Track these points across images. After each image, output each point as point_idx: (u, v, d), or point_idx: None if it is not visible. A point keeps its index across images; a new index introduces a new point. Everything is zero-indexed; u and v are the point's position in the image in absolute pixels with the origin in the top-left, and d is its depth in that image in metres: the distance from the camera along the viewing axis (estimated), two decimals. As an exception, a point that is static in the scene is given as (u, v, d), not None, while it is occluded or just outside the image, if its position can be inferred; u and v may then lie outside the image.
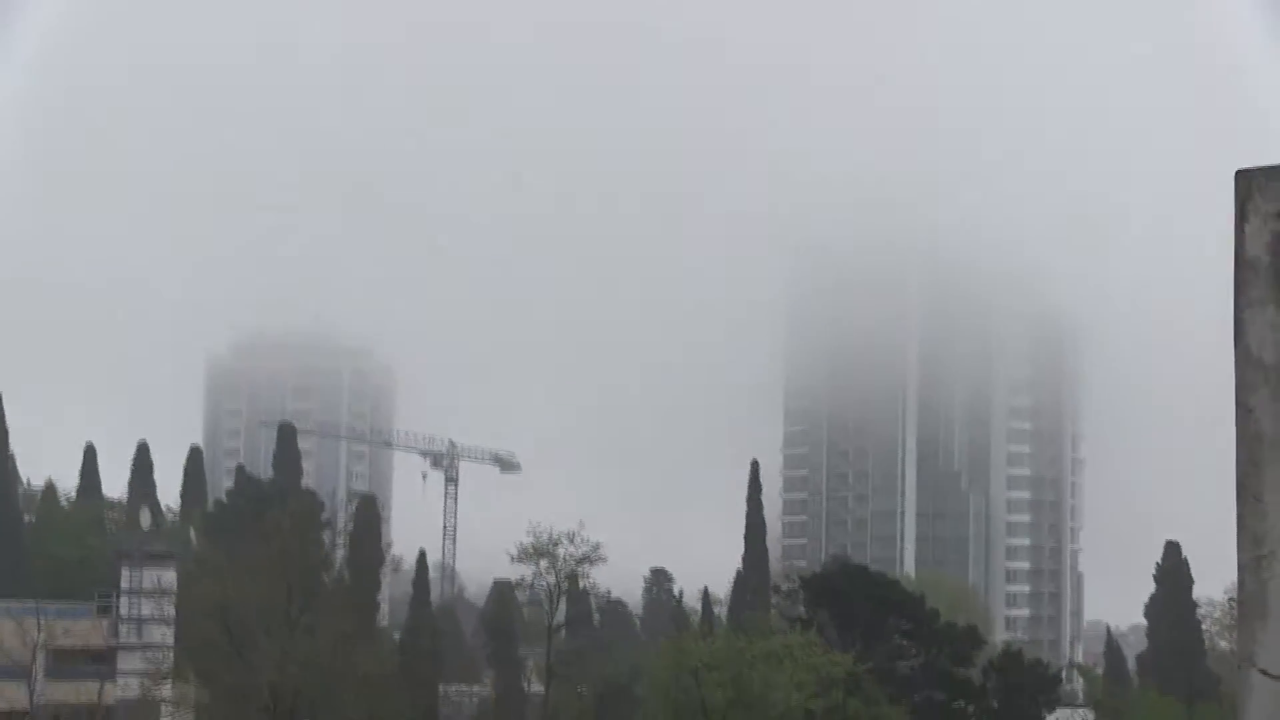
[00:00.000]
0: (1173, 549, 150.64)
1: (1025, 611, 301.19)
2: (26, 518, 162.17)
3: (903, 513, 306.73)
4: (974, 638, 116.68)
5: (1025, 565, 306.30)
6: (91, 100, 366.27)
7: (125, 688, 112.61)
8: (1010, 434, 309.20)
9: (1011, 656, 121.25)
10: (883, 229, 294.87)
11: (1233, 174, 7.46)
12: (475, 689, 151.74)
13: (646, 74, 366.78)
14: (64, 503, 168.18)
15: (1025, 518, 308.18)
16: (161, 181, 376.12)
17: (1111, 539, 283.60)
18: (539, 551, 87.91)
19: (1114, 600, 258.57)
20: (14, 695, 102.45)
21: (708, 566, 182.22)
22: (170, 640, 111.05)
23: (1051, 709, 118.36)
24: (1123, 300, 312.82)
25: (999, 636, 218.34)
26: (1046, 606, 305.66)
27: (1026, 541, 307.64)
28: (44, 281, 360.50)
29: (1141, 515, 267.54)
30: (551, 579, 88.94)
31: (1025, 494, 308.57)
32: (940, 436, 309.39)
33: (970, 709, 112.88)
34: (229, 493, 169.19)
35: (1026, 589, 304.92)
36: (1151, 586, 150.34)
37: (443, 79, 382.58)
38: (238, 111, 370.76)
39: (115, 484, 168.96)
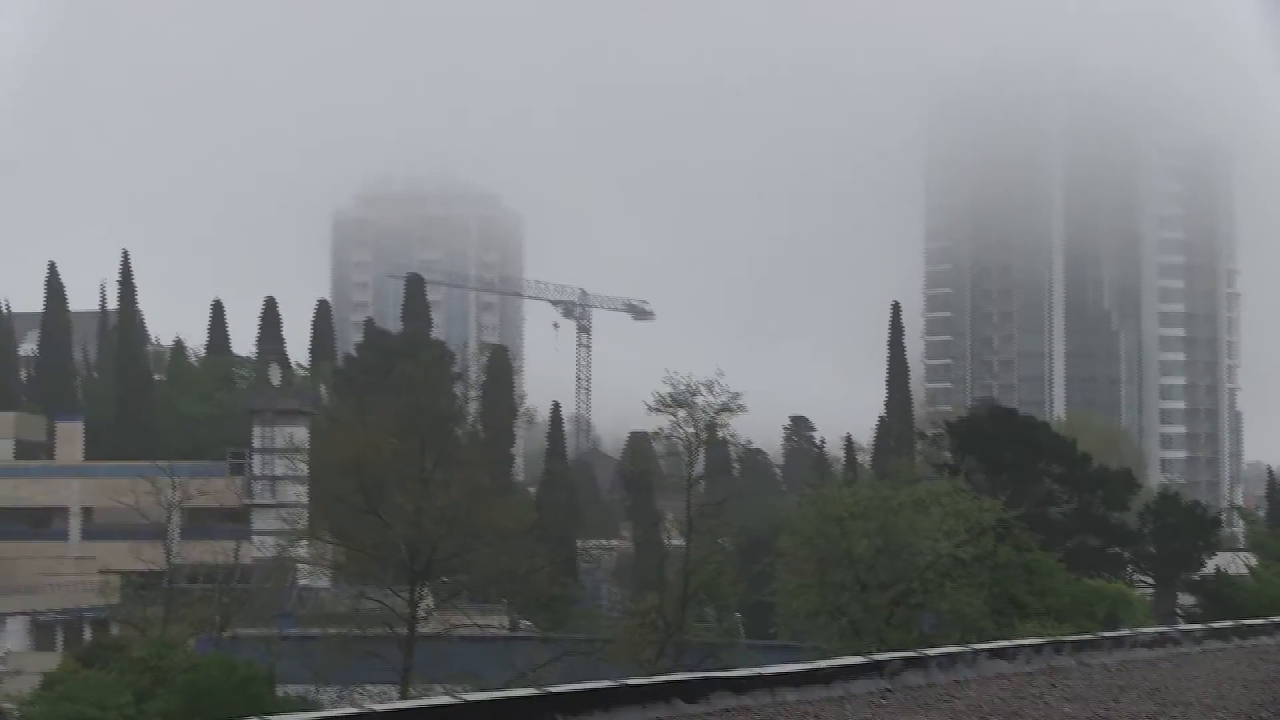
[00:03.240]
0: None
1: (1181, 454, 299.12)
2: (156, 377, 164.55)
3: (1051, 354, 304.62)
4: (1128, 481, 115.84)
5: (1180, 405, 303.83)
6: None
7: (261, 547, 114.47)
8: (1161, 269, 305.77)
9: (1168, 500, 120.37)
10: (1026, 61, 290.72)
11: None
12: (613, 543, 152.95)
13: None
14: (193, 360, 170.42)
15: (1179, 356, 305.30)
16: (285, 33, 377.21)
17: (1271, 376, 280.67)
18: (676, 401, 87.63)
19: (1275, 440, 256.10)
20: (152, 555, 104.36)
21: (849, 413, 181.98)
22: (304, 498, 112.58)
23: (1211, 553, 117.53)
24: (1274, 128, 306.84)
25: (1154, 480, 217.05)
26: (1204, 448, 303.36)
27: (1181, 380, 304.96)
28: (166, 140, 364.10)
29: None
30: (690, 430, 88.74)
31: (1179, 331, 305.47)
32: (1088, 273, 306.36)
33: (1126, 555, 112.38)
34: (358, 346, 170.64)
35: (1182, 430, 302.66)
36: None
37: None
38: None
39: (243, 341, 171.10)
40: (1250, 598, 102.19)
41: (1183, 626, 29.60)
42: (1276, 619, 30.62)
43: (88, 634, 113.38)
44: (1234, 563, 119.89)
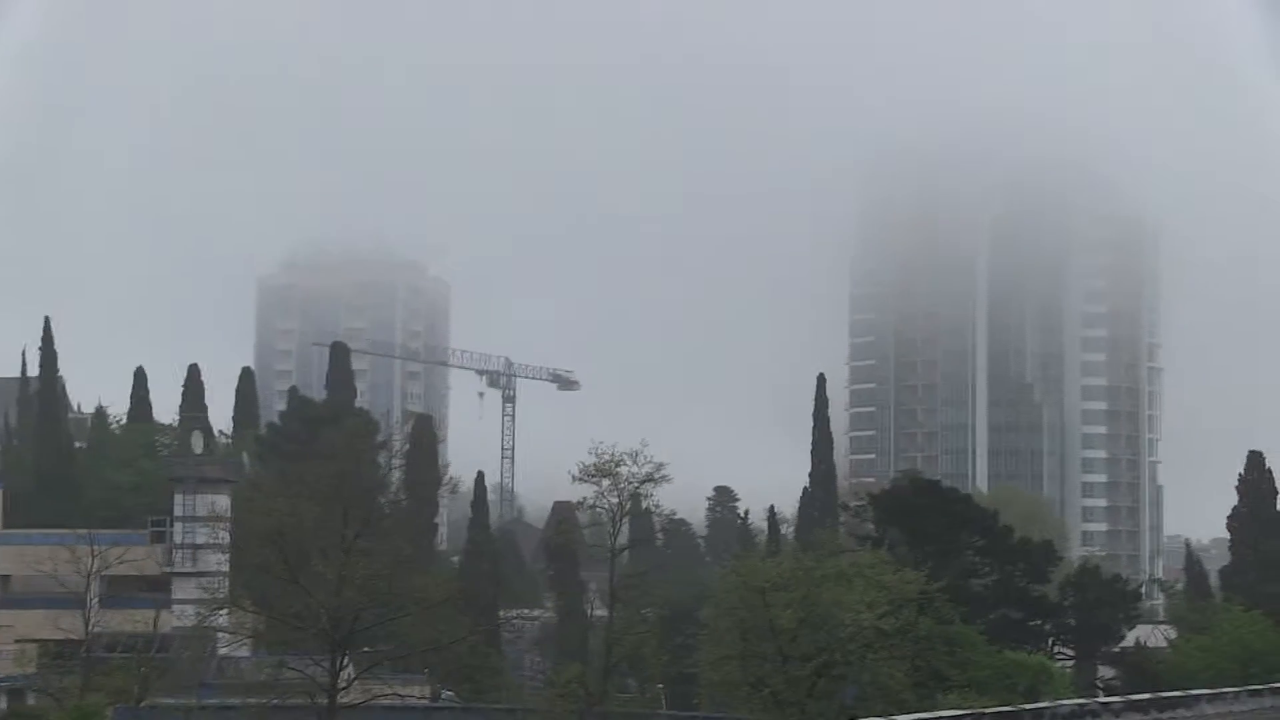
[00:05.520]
0: (1256, 459, 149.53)
1: (1103, 526, 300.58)
2: (77, 444, 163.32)
3: (974, 426, 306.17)
4: (1049, 554, 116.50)
5: (1102, 478, 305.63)
6: (131, 18, 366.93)
7: (181, 615, 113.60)
8: (1084, 343, 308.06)
9: (1089, 572, 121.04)
10: (953, 134, 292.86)
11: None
12: (536, 613, 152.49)
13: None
14: (115, 428, 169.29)
15: (1101, 429, 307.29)
16: (208, 98, 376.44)
17: (1191, 450, 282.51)
18: (600, 471, 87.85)
19: (1195, 514, 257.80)
20: (70, 624, 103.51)
21: (773, 484, 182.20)
22: (225, 566, 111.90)
23: (1131, 625, 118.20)
24: (1202, 203, 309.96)
25: (1076, 552, 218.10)
26: (1125, 521, 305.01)
27: (1103, 454, 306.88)
28: (90, 202, 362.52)
29: (1222, 425, 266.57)
30: (614, 499, 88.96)
31: (1101, 405, 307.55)
32: (1012, 346, 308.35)
33: (1047, 627, 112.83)
34: (282, 414, 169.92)
35: (1104, 503, 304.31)
36: (1234, 499, 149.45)
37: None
38: (284, 27, 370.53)
39: (166, 408, 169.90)
40: (1169, 670, 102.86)
41: (1102, 699, 29.82)
42: (1194, 692, 30.97)
43: (3, 703, 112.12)
44: (1154, 635, 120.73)
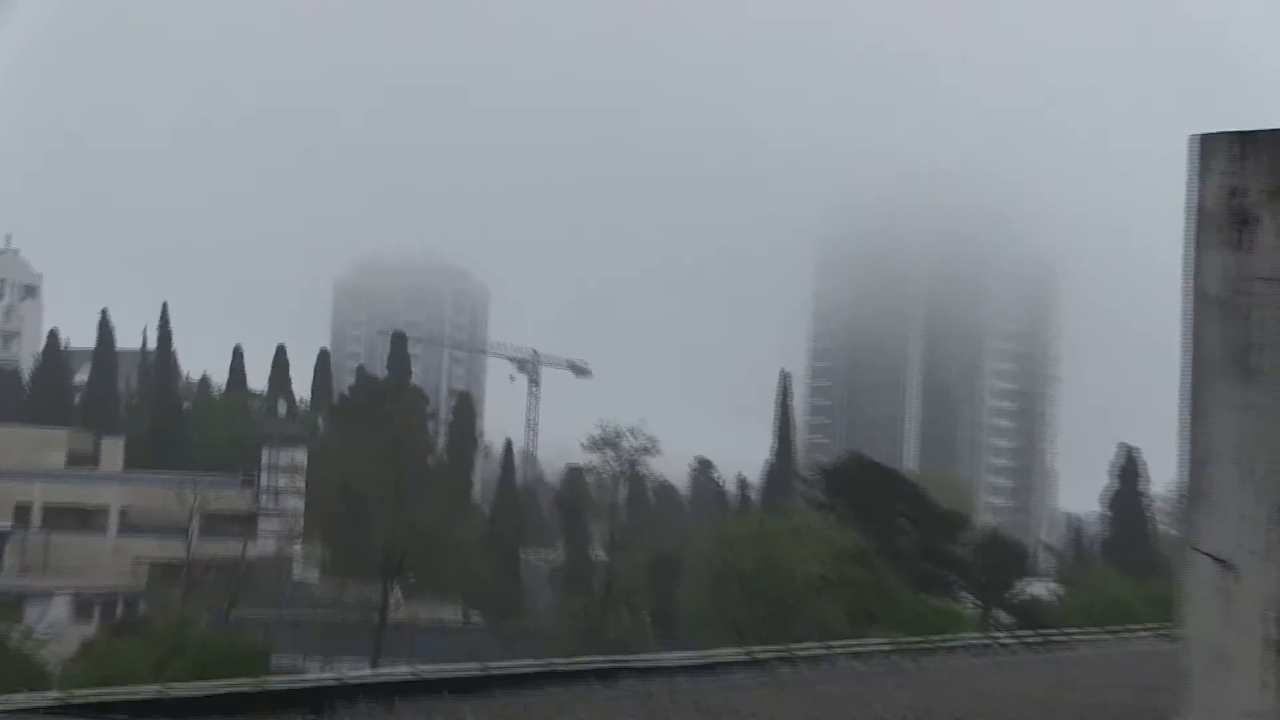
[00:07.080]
0: (1128, 451, 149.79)
1: (1010, 503, 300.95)
2: (185, 405, 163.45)
3: (908, 419, 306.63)
4: (962, 521, 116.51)
5: (1009, 463, 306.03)
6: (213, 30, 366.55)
7: (264, 546, 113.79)
8: (999, 354, 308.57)
9: (993, 536, 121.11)
10: (901, 182, 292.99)
11: (1192, 134, 7.36)
12: (550, 555, 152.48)
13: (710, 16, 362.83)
14: (216, 394, 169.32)
15: (1010, 424, 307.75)
16: (299, 130, 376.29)
17: (1079, 443, 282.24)
18: (605, 443, 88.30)
19: (1081, 494, 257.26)
20: (174, 550, 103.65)
21: (744, 458, 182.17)
22: (301, 508, 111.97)
23: (1026, 581, 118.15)
24: (1098, 241, 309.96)
25: (984, 521, 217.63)
26: (1024, 497, 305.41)
27: (1009, 444, 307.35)
28: (206, 208, 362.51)
29: (1104, 424, 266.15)
30: (615, 466, 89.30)
31: (1010, 405, 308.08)
32: (942, 359, 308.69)
33: (957, 579, 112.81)
34: (351, 389, 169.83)
35: (1009, 483, 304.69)
36: (1109, 481, 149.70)
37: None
38: (352, 44, 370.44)
39: (258, 379, 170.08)
40: (1056, 618, 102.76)
41: (1000, 637, 30.05)
42: (1074, 633, 31.18)
43: (120, 610, 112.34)
44: (1044, 590, 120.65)
